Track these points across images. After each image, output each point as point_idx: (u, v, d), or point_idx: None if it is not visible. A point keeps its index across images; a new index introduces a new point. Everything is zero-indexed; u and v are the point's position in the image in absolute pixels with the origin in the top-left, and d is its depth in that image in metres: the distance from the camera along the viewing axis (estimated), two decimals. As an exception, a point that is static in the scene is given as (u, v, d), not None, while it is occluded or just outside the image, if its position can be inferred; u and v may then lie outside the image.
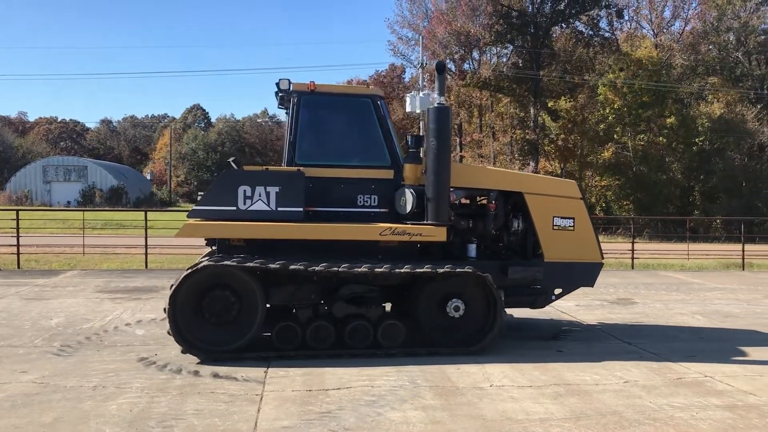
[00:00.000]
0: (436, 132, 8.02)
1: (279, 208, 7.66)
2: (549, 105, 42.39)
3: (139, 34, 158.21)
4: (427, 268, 7.70)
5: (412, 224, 7.94)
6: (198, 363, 7.32)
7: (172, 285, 7.49)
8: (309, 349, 7.66)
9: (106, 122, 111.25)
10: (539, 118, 42.38)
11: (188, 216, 7.85)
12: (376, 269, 7.58)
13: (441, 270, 7.70)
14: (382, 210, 8.20)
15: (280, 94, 8.46)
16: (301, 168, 7.90)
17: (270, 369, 7.14)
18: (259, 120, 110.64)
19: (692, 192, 42.11)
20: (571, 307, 11.52)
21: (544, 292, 8.67)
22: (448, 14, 41.64)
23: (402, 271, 7.63)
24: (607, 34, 44.57)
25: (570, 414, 5.83)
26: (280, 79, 8.23)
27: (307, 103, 8.16)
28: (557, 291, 8.80)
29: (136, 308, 10.75)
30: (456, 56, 44.54)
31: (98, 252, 18.99)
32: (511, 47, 43.81)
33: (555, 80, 42.74)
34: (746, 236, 21.40)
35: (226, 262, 7.43)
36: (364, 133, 8.40)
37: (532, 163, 41.79)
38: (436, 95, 8.33)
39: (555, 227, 8.60)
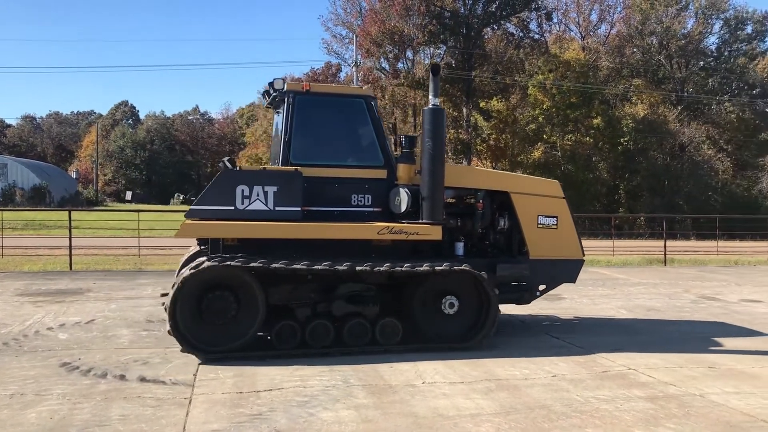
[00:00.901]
0: (431, 132, 8.11)
1: (277, 208, 7.68)
2: (481, 105, 43.11)
3: (63, 27, 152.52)
4: (426, 266, 7.82)
5: (408, 223, 8.05)
6: (124, 367, 7.11)
7: (174, 284, 7.41)
8: (308, 347, 7.70)
9: (28, 119, 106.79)
10: (472, 118, 43.04)
11: (186, 216, 7.73)
12: (379, 268, 7.69)
13: (439, 268, 7.83)
14: (375, 209, 8.30)
15: (272, 94, 8.44)
16: (298, 168, 7.90)
17: (200, 371, 7.00)
18: (190, 117, 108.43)
19: (618, 190, 43.59)
20: (502, 303, 11.71)
21: (529, 288, 8.93)
22: (382, 13, 41.84)
23: (403, 269, 7.74)
24: (536, 36, 45.74)
25: (500, 409, 5.92)
26: (274, 79, 8.27)
27: (302, 103, 8.18)
28: (541, 287, 9.08)
29: (59, 311, 10.35)
30: (390, 55, 44.77)
31: (18, 254, 18.21)
32: (444, 47, 44.34)
33: (487, 81, 43.50)
34: (668, 233, 22.29)
35: (230, 263, 7.39)
36: (358, 133, 8.49)
37: (464, 163, 42.36)
38: (431, 97, 8.35)
39: (539, 226, 8.85)
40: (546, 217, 8.90)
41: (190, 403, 5.96)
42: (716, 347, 8.50)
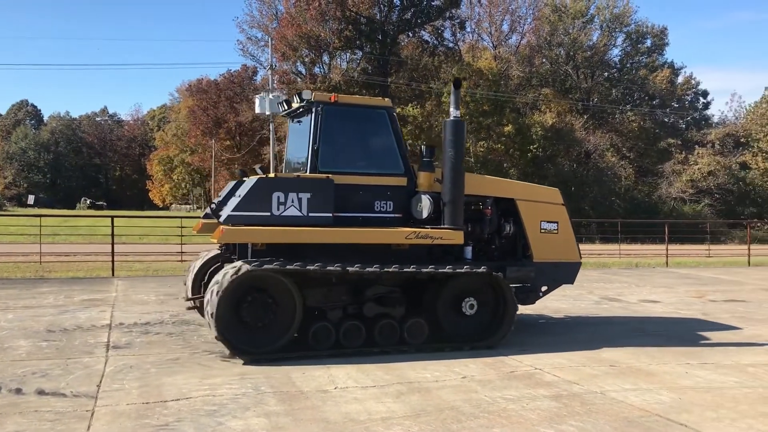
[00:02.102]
0: (452, 143, 8.61)
1: (310, 214, 8.03)
2: (397, 111, 43.51)
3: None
4: (466, 268, 8.39)
5: (432, 228, 8.47)
6: (20, 380, 6.76)
7: (214, 291, 7.50)
8: (342, 347, 8.00)
9: None
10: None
11: (223, 221, 7.89)
12: (422, 269, 8.16)
13: (461, 270, 8.36)
14: (396, 215, 8.71)
15: (298, 103, 8.75)
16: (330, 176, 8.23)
17: (104, 382, 6.74)
18: (98, 118, 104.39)
19: (528, 196, 44.90)
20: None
21: (534, 289, 9.52)
22: (298, 17, 41.59)
23: (441, 270, 8.23)
24: (450, 45, 46.53)
25: (411, 411, 5.99)
26: (302, 90, 8.67)
27: (329, 113, 8.51)
28: (543, 288, 9.70)
29: (-50, 323, 9.73)
30: (306, 59, 44.55)
31: None
32: (361, 53, 44.53)
33: (403, 87, 43.95)
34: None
35: (267, 266, 7.63)
36: (380, 142, 8.84)
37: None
38: (452, 109, 8.85)
39: (542, 231, 9.48)
40: (548, 222, 9.54)
41: (92, 416, 5.73)
42: (617, 346, 8.88)
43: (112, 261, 16.46)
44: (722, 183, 44.68)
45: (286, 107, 9.25)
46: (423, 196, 8.60)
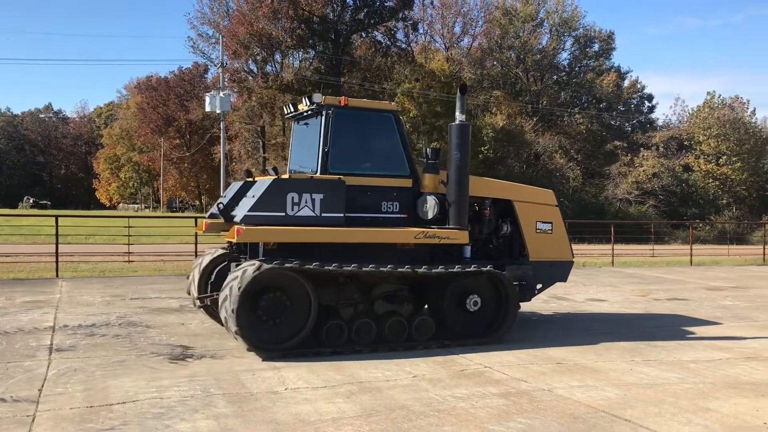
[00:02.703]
0: (458, 146, 8.94)
1: (323, 214, 8.24)
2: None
3: None
4: (468, 268, 8.70)
5: (438, 228, 8.77)
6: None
7: (234, 287, 7.60)
8: (354, 344, 8.24)
9: None
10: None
11: (240, 221, 8.03)
12: (440, 269, 8.48)
13: (471, 270, 8.70)
14: (402, 215, 8.97)
15: (309, 106, 8.85)
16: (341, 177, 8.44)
17: (46, 386, 6.55)
18: (41, 115, 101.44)
19: (479, 196, 45.44)
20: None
21: (530, 287, 9.88)
22: (250, 15, 41.19)
23: (452, 270, 8.55)
24: (403, 46, 46.72)
25: (361, 411, 5.99)
26: (312, 94, 8.87)
27: (339, 116, 8.69)
28: (539, 286, 10.07)
29: None
30: (258, 58, 44.15)
31: None
32: (314, 53, 44.34)
33: (356, 87, 43.94)
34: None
35: (289, 265, 7.83)
36: (387, 145, 9.07)
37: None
38: (458, 113, 9.15)
39: (538, 231, 9.86)
40: (543, 222, 9.93)
41: (33, 421, 5.57)
42: (564, 344, 9.04)
43: (56, 262, 16.03)
44: (666, 185, 45.99)
45: (292, 110, 9.44)
46: (429, 197, 8.90)
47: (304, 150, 9.47)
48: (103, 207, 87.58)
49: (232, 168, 54.10)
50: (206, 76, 71.26)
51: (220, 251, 9.71)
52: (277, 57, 46.40)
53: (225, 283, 7.90)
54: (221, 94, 37.18)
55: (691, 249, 23.67)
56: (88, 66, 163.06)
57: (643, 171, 46.36)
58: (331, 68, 42.38)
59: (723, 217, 46.64)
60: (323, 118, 8.66)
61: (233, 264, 8.85)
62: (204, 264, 9.61)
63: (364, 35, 44.69)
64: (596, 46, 53.29)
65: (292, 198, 8.12)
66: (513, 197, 9.81)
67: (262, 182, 8.36)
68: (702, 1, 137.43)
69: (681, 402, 6.46)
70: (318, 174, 8.54)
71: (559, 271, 10.15)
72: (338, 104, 8.74)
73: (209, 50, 57.45)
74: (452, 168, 8.93)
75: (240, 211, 8.28)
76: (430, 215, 8.85)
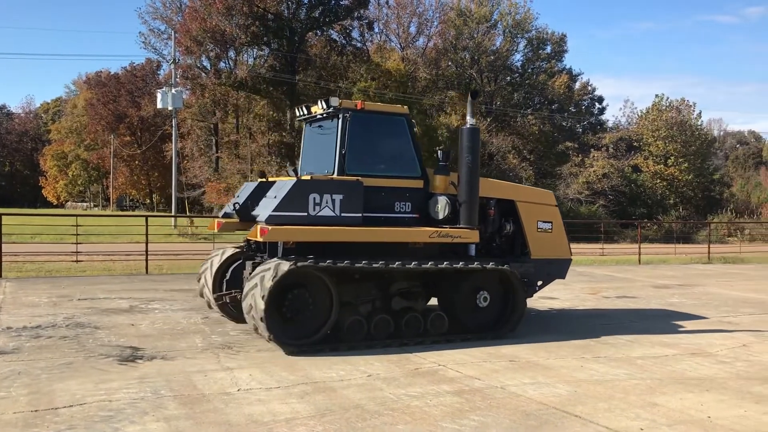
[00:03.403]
0: (469, 149, 9.31)
1: (342, 214, 8.53)
2: (305, 110, 43.20)
3: None
4: (486, 265, 9.19)
5: (451, 228, 9.10)
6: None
7: (262, 284, 7.83)
8: (372, 339, 8.56)
9: None
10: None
11: (266, 221, 8.19)
12: (470, 265, 9.02)
13: (488, 267, 9.18)
14: (414, 215, 9.29)
15: (325, 109, 9.02)
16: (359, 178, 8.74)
17: (-12, 390, 6.34)
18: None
19: (434, 195, 45.66)
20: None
21: (531, 284, 10.07)
22: (203, 11, 40.60)
23: (473, 267, 9.06)
24: (359, 45, 46.66)
25: (315, 411, 5.96)
26: (329, 97, 9.06)
27: (355, 120, 8.93)
28: (539, 283, 10.32)
29: None
30: (211, 54, 43.56)
31: None
32: (268, 50, 43.94)
33: (311, 85, 43.73)
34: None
35: (316, 263, 8.16)
36: (399, 147, 9.39)
37: (288, 166, 42.22)
38: (468, 117, 9.57)
39: (539, 230, 10.24)
40: (543, 222, 10.31)
41: (-26, 426, 5.38)
42: (517, 341, 9.16)
43: (0, 261, 15.52)
44: (615, 185, 46.95)
45: (305, 112, 9.66)
46: (441, 198, 9.22)
47: (317, 152, 9.70)
48: (50, 205, 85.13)
49: (184, 166, 53.22)
50: (159, 72, 70.08)
51: (231, 251, 9.91)
52: (231, 54, 45.88)
53: (250, 279, 8.15)
54: (173, 91, 36.56)
55: (640, 248, 24.23)
56: (34, 60, 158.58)
57: (594, 171, 47.24)
58: (286, 66, 42.07)
59: (670, 217, 47.82)
60: (340, 121, 8.89)
61: (249, 262, 9.11)
62: (216, 264, 9.77)
63: (319, 33, 44.50)
64: (548, 49, 54.09)
65: (314, 198, 8.39)
66: (516, 198, 10.20)
67: (284, 183, 8.62)
68: (651, 6, 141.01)
69: (630, 398, 6.61)
70: (335, 175, 8.78)
71: (558, 269, 10.55)
72: (355, 108, 9.03)
73: (161, 46, 56.57)
74: (463, 170, 9.30)
75: (263, 211, 8.51)
76: (441, 215, 9.18)
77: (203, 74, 47.35)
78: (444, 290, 9.36)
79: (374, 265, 8.41)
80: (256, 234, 8.21)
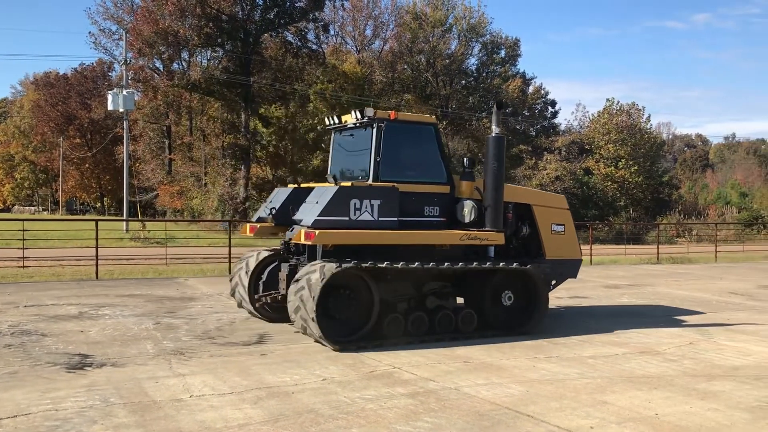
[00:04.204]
0: (495, 156, 9.89)
1: (380, 218, 9.00)
2: (260, 111, 42.88)
3: None
4: (511, 265, 9.75)
5: (478, 231, 9.64)
6: None
7: (312, 283, 8.26)
8: (410, 335, 9.05)
9: None
10: (251, 124, 42.64)
11: (311, 226, 8.64)
12: (509, 265, 9.69)
13: (517, 267, 9.73)
14: (441, 219, 9.77)
15: (359, 119, 9.51)
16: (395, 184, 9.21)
17: (-73, 402, 6.11)
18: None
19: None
20: (277, 310, 11.72)
21: (547, 283, 10.47)
22: (155, 12, 39.93)
23: (503, 267, 9.66)
24: (314, 47, 46.49)
25: (269, 416, 5.91)
26: (365, 108, 9.62)
27: (389, 129, 9.42)
28: (553, 282, 10.87)
29: None
30: (164, 56, 42.88)
31: None
32: (222, 51, 43.45)
33: (266, 87, 43.40)
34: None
35: (370, 265, 8.67)
36: (428, 154, 9.86)
37: (243, 169, 41.81)
38: (494, 127, 10.14)
39: (553, 232, 10.81)
40: (557, 225, 10.88)
41: None
42: (471, 343, 9.22)
43: (-58, 268, 15.00)
44: (568, 187, 47.76)
45: (336, 122, 10.18)
46: (467, 202, 9.72)
47: (347, 159, 10.30)
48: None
49: (137, 169, 52.30)
50: (110, 73, 68.64)
51: (265, 253, 10.38)
52: (184, 55, 45.27)
53: (296, 281, 8.55)
54: (125, 93, 35.86)
55: (591, 249, 24.68)
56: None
57: (547, 174, 47.99)
58: (241, 68, 41.64)
59: (621, 219, 48.85)
60: (374, 130, 9.39)
61: (284, 264, 9.75)
62: (252, 266, 10.23)
63: (274, 35, 44.16)
64: (502, 53, 54.83)
65: (354, 204, 8.85)
66: (532, 202, 10.73)
67: (325, 189, 9.11)
68: (603, 12, 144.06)
69: (580, 396, 6.72)
70: (370, 181, 9.26)
71: (570, 269, 11.11)
72: (388, 118, 9.48)
73: (112, 47, 55.50)
74: (489, 176, 9.86)
75: (307, 216, 8.94)
76: (468, 219, 9.67)
77: (156, 76, 46.59)
78: (473, 289, 9.86)
79: (414, 266, 8.92)
80: (301, 237, 8.69)
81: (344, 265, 8.46)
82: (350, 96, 42.53)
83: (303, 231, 8.66)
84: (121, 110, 36.75)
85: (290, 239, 9.41)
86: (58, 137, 71.10)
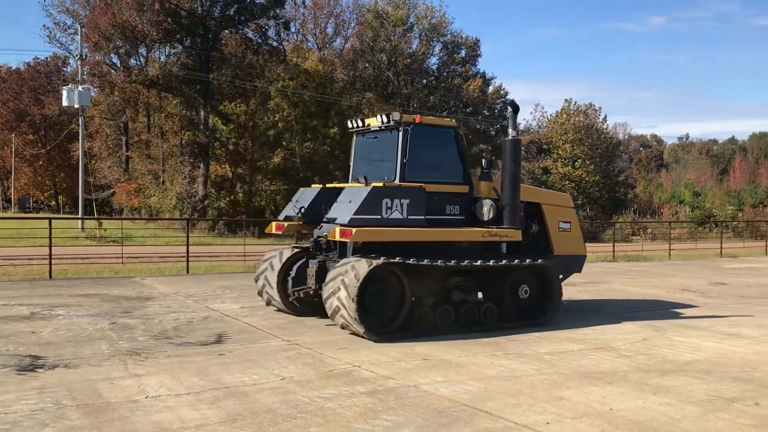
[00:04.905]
0: (512, 158, 10.48)
1: (409, 217, 9.56)
2: (220, 108, 42.39)
3: None
4: (540, 261, 10.43)
5: (498, 228, 10.25)
6: None
7: (346, 281, 8.78)
8: (437, 328, 9.58)
9: None
10: (210, 121, 42.11)
11: (348, 224, 9.14)
12: (530, 261, 10.27)
13: (538, 263, 10.36)
14: (461, 217, 10.35)
15: (385, 123, 10.06)
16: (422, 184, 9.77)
17: None
18: None
19: (352, 197, 45.76)
20: (236, 309, 11.63)
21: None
22: (113, 5, 39.15)
23: (531, 263, 10.26)
24: (275, 44, 46.14)
25: (226, 417, 5.84)
26: (391, 112, 10.24)
27: (415, 132, 9.95)
28: (560, 276, 11.17)
29: None
30: (121, 51, 42.10)
31: None
32: (181, 47, 42.82)
33: (226, 84, 42.92)
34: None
35: (413, 261, 9.28)
36: (448, 156, 10.42)
37: (202, 166, 41.28)
38: (510, 129, 10.75)
39: (560, 229, 11.47)
40: (564, 222, 11.54)
41: None
42: (430, 340, 9.26)
43: None
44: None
45: (359, 125, 10.73)
46: (486, 201, 10.29)
47: (371, 160, 10.82)
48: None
49: (92, 166, 51.27)
50: (65, 69, 67.09)
51: (289, 252, 10.88)
52: (142, 51, 44.50)
53: (333, 277, 9.05)
54: (80, 88, 35.09)
55: (550, 247, 25.00)
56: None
57: (507, 173, 48.42)
58: (200, 64, 41.09)
59: (578, 217, 49.66)
60: (401, 133, 9.90)
61: (312, 261, 10.28)
62: (278, 265, 10.71)
63: (234, 32, 43.68)
64: (463, 53, 55.19)
65: (386, 203, 9.38)
66: (541, 201, 11.38)
67: (358, 189, 9.64)
68: (562, 13, 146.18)
69: (537, 393, 6.81)
70: (397, 181, 9.76)
71: (576, 263, 11.80)
72: (414, 121, 10.00)
73: (68, 41, 54.26)
74: (507, 176, 10.41)
75: (342, 215, 9.45)
76: (487, 217, 10.24)
77: (112, 71, 45.71)
78: (493, 284, 10.36)
79: (449, 263, 9.50)
80: (336, 235, 9.19)
81: (383, 261, 9.00)
82: (312, 94, 42.33)
83: (338, 229, 9.19)
84: (76, 106, 35.94)
85: (324, 236, 9.96)
86: (10, 134, 69.20)
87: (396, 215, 9.48)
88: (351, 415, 5.98)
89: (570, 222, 11.69)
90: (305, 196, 10.87)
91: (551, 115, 58.96)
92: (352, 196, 9.62)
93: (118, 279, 15.98)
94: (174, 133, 46.80)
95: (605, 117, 58.94)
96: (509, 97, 59.93)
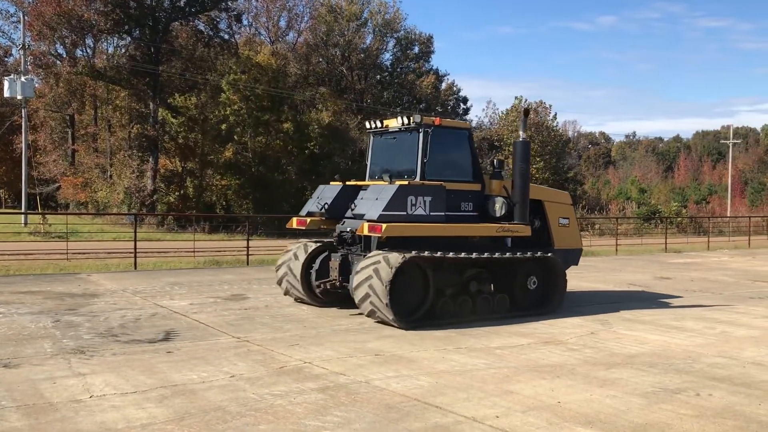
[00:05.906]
0: (522, 158, 11.20)
1: (431, 213, 10.17)
2: (170, 101, 41.56)
3: None
4: (547, 254, 11.30)
5: (510, 224, 10.93)
6: None
7: (379, 272, 9.33)
8: (457, 316, 10.26)
9: None
10: (159, 114, 41.26)
11: (377, 219, 9.66)
12: (535, 253, 11.08)
13: (547, 255, 11.26)
14: (474, 214, 11.03)
15: (406, 124, 10.57)
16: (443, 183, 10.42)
17: None
18: None
19: (305, 192, 45.43)
20: (185, 306, 11.45)
21: None
22: (58, -7, 37.92)
23: (541, 256, 11.12)
24: (226, 37, 45.44)
25: (174, 415, 5.74)
26: (413, 114, 10.77)
27: (435, 134, 10.60)
28: None
29: None
30: (67, 41, 40.90)
31: None
32: (130, 38, 41.82)
33: (176, 77, 42.10)
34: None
35: (440, 255, 10.00)
36: (463, 156, 11.10)
37: (151, 160, 40.46)
38: (521, 132, 11.53)
39: (560, 225, 12.18)
40: (563, 218, 12.26)
41: None
42: (382, 336, 9.29)
43: None
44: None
45: (378, 125, 11.29)
46: (498, 198, 11.01)
47: (389, 160, 11.35)
48: None
49: (37, 160, 49.73)
50: (7, 58, 64.82)
51: (312, 245, 11.32)
52: (89, 41, 43.30)
53: (362, 269, 9.54)
54: (23, 79, 34.00)
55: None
56: None
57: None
58: (149, 56, 40.20)
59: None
60: (421, 134, 10.53)
61: (334, 255, 10.91)
62: (302, 257, 11.18)
63: (184, 23, 42.82)
64: (416, 49, 55.30)
65: (411, 200, 9.93)
66: (543, 198, 12.05)
67: (383, 187, 10.16)
68: (513, 11, 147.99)
69: (487, 386, 6.88)
70: (417, 180, 10.36)
71: (574, 257, 12.57)
72: (434, 123, 10.61)
73: (10, 30, 52.51)
74: (517, 176, 11.11)
75: (370, 211, 9.94)
76: (498, 213, 10.95)
77: (58, 62, 44.37)
78: (506, 275, 11.06)
79: (473, 256, 10.24)
80: (364, 230, 9.77)
81: (413, 254, 9.58)
82: (264, 88, 41.83)
83: (366, 224, 9.74)
84: (19, 98, 34.82)
85: (349, 231, 10.61)
86: (-51, 125, 66.62)
87: (419, 211, 10.03)
88: (301, 411, 5.94)
89: (569, 218, 12.40)
90: (326, 192, 11.31)
91: (502, 113, 59.64)
92: (378, 194, 10.10)
93: (62, 276, 15.56)
94: (122, 126, 45.72)
95: (555, 114, 59.71)
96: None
